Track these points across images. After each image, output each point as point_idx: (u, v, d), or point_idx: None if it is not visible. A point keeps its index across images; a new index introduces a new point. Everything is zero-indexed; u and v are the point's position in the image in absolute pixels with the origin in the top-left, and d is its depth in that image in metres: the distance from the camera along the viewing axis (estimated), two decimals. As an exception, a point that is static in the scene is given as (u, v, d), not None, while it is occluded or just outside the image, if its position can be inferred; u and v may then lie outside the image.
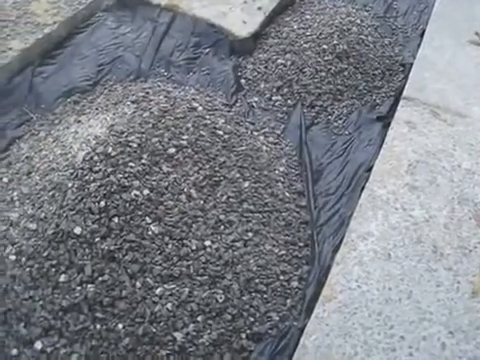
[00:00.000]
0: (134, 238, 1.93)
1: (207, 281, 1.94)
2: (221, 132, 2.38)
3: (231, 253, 2.01)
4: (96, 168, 2.03)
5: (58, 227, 1.94)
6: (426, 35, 3.01)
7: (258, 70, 2.97)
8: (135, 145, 2.12)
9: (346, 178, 2.45)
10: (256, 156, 2.39)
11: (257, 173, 2.31)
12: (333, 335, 1.78)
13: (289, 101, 2.83)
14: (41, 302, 1.86)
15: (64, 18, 3.02)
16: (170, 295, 1.89)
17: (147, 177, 2.06)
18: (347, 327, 1.80)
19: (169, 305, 1.87)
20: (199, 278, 1.94)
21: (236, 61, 3.02)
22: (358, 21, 3.16)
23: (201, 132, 2.31)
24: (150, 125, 2.23)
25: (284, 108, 2.80)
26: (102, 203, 1.95)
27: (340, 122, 2.75)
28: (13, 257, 1.95)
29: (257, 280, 2.00)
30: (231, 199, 2.17)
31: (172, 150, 2.18)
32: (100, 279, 1.87)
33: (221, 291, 1.93)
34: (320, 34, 3.01)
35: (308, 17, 3.21)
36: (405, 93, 2.62)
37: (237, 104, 2.77)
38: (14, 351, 1.81)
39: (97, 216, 1.94)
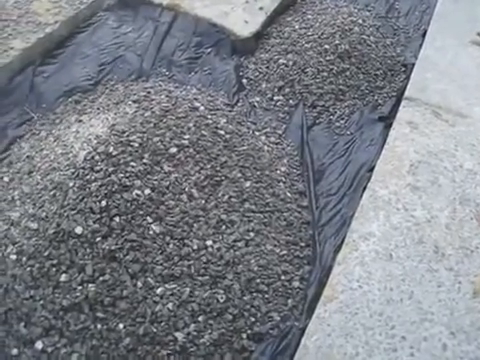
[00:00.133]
0: (135, 238, 1.93)
1: (208, 281, 1.94)
2: (223, 132, 2.38)
3: (232, 253, 2.01)
4: (97, 167, 2.03)
5: (59, 227, 1.93)
6: (428, 35, 3.00)
7: (260, 70, 2.97)
8: (136, 145, 2.12)
9: (348, 178, 2.45)
10: (258, 156, 2.38)
11: (258, 173, 2.31)
12: (334, 335, 1.78)
13: (291, 101, 2.82)
14: (42, 302, 1.86)
15: (65, 17, 3.02)
16: (171, 295, 1.88)
17: (148, 177, 2.06)
18: (348, 327, 1.79)
19: (170, 305, 1.86)
20: (200, 278, 1.93)
21: (238, 61, 3.02)
22: (360, 21, 3.15)
23: (203, 132, 2.31)
24: (151, 125, 2.22)
25: (286, 108, 2.80)
26: (103, 203, 1.95)
27: (342, 122, 2.75)
28: (14, 256, 1.95)
29: (258, 280, 2.00)
30: (232, 199, 2.16)
31: (173, 150, 2.18)
32: (101, 279, 1.87)
33: (222, 291, 1.93)
34: (322, 34, 3.01)
35: (310, 17, 3.21)
36: (407, 93, 2.62)
37: (239, 104, 2.77)
38: (14, 351, 1.81)
39: (98, 216, 1.94)
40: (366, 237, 2.04)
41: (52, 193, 2.04)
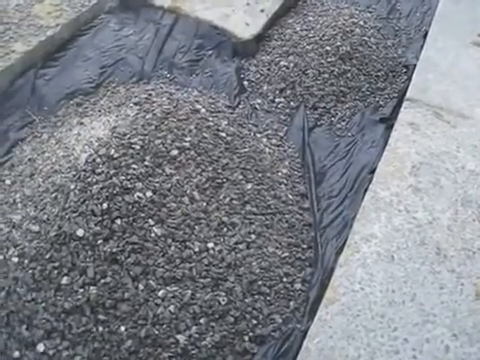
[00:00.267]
0: (137, 240, 1.93)
1: (210, 283, 1.94)
2: (224, 134, 2.38)
3: (234, 255, 2.01)
4: (99, 170, 2.03)
5: (60, 229, 1.94)
6: (429, 36, 3.00)
7: (261, 72, 2.97)
8: (138, 147, 2.12)
9: (349, 180, 2.45)
10: (259, 158, 2.38)
11: (260, 175, 2.31)
12: (336, 337, 1.78)
13: (292, 103, 2.82)
14: (43, 304, 1.86)
15: (67, 20, 3.02)
16: (173, 297, 1.88)
17: (150, 179, 2.06)
18: (350, 329, 1.79)
19: (172, 307, 1.86)
20: (202, 280, 1.93)
21: (239, 63, 3.02)
22: (361, 23, 3.15)
23: (204, 134, 2.31)
24: (153, 127, 2.22)
25: (287, 110, 2.80)
26: (105, 205, 1.95)
27: (343, 124, 2.75)
28: (16, 259, 1.95)
29: (260, 282, 2.00)
30: (234, 201, 2.16)
31: (175, 152, 2.18)
32: (102, 281, 1.87)
33: (224, 293, 1.93)
34: (323, 36, 3.01)
35: (311, 19, 3.21)
36: (408, 94, 2.62)
37: (240, 106, 2.77)
38: (16, 353, 1.81)
39: (100, 218, 1.94)
40: (368, 239, 2.03)
41: (54, 196, 2.04)
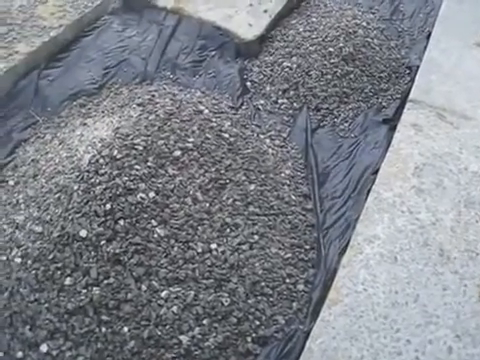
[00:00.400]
0: (140, 241, 1.93)
1: (213, 284, 1.94)
2: (227, 135, 2.38)
3: (237, 256, 2.01)
4: (102, 171, 2.03)
5: (64, 230, 1.94)
6: (432, 37, 3.00)
7: (264, 73, 2.97)
8: (141, 148, 2.12)
9: (352, 181, 2.44)
10: (262, 159, 2.38)
11: (263, 176, 2.31)
12: (339, 338, 1.77)
13: (295, 104, 2.82)
14: (47, 305, 1.86)
15: (70, 21, 3.03)
16: (175, 298, 1.88)
17: (153, 180, 2.06)
18: (353, 330, 1.79)
19: (174, 308, 1.86)
20: (205, 281, 1.93)
21: (242, 64, 3.02)
22: (364, 24, 3.15)
23: (207, 135, 2.31)
24: (156, 128, 2.23)
25: (290, 111, 2.80)
26: (108, 206, 1.95)
27: (346, 125, 2.75)
28: (19, 260, 1.96)
29: (263, 283, 2.00)
30: (237, 202, 2.16)
31: (178, 153, 2.18)
32: (105, 282, 1.87)
33: (227, 294, 1.93)
34: (326, 37, 3.00)
35: (314, 20, 3.21)
36: (411, 96, 2.62)
37: (243, 107, 2.77)
38: (19, 354, 1.81)
39: (103, 219, 1.94)
40: (371, 240, 2.03)
41: (57, 196, 2.05)
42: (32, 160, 2.35)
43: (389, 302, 1.86)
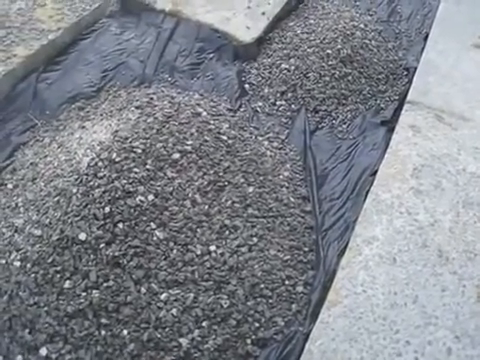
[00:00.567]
0: (139, 244, 1.93)
1: (212, 286, 1.94)
2: (225, 137, 2.38)
3: (236, 258, 2.01)
4: (101, 174, 2.03)
5: (63, 233, 1.94)
6: (430, 39, 3.01)
7: (262, 75, 2.98)
8: (139, 151, 2.12)
9: (351, 183, 2.45)
10: (260, 161, 2.39)
11: (261, 178, 2.31)
12: (338, 340, 1.78)
13: (293, 106, 2.83)
14: (46, 308, 1.86)
15: (68, 24, 3.03)
16: (175, 300, 1.89)
17: (152, 182, 2.06)
18: (352, 332, 1.79)
19: (174, 311, 1.87)
20: (204, 283, 1.94)
21: (240, 66, 3.02)
22: (362, 25, 3.16)
23: (205, 137, 2.31)
24: (154, 130, 2.23)
25: (288, 113, 2.80)
26: (107, 209, 1.95)
27: (344, 127, 2.75)
28: (18, 263, 1.96)
29: (262, 285, 2.00)
30: (236, 204, 2.17)
31: (176, 155, 2.18)
32: (105, 285, 1.87)
33: (226, 296, 1.93)
34: (324, 39, 3.01)
35: (312, 22, 3.21)
36: (409, 97, 2.62)
37: (241, 109, 2.78)
38: (19, 357, 1.81)
39: (102, 222, 1.94)
40: (370, 241, 2.04)
41: (56, 200, 2.05)
42: (31, 163, 2.35)
43: (388, 303, 1.86)
